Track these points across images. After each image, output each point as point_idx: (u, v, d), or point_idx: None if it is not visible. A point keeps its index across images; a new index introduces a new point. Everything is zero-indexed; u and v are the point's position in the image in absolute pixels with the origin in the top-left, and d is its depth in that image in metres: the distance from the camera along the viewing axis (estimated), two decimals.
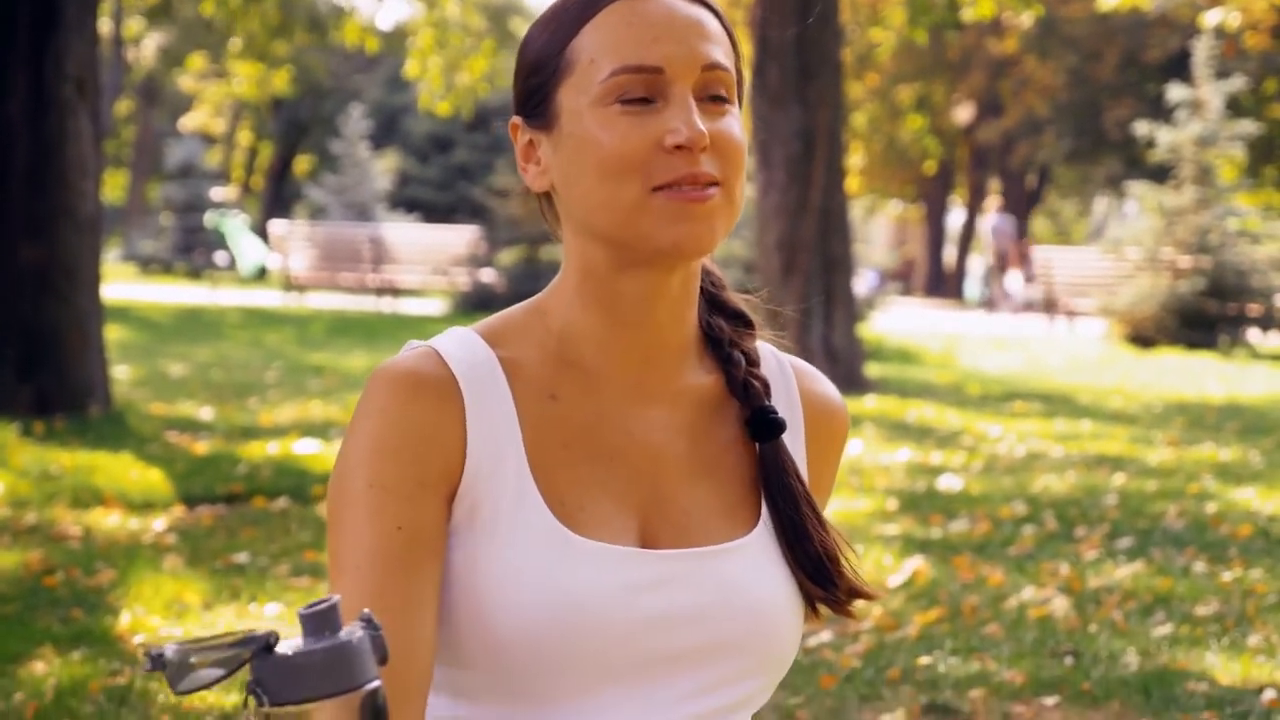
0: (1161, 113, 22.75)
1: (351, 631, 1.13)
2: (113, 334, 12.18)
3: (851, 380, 12.50)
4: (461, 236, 24.11)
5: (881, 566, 6.20)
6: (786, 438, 1.66)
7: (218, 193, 33.89)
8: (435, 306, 23.80)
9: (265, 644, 1.11)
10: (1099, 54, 34.26)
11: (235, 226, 32.19)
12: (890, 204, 46.33)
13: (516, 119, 1.62)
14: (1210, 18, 19.60)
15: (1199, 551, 6.63)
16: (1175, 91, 19.94)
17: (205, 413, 10.36)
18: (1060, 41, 34.69)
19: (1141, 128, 20.27)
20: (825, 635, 5.10)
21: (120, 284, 25.57)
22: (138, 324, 18.61)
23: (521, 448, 1.56)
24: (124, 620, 5.14)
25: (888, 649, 5.01)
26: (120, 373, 12.12)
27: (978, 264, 35.30)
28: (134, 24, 36.92)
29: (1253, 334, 19.23)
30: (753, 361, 1.67)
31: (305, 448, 8.76)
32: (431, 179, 35.86)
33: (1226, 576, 6.16)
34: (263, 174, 48.19)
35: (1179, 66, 25.66)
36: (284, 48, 30.86)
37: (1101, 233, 34.56)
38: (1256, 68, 28.33)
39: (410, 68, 22.20)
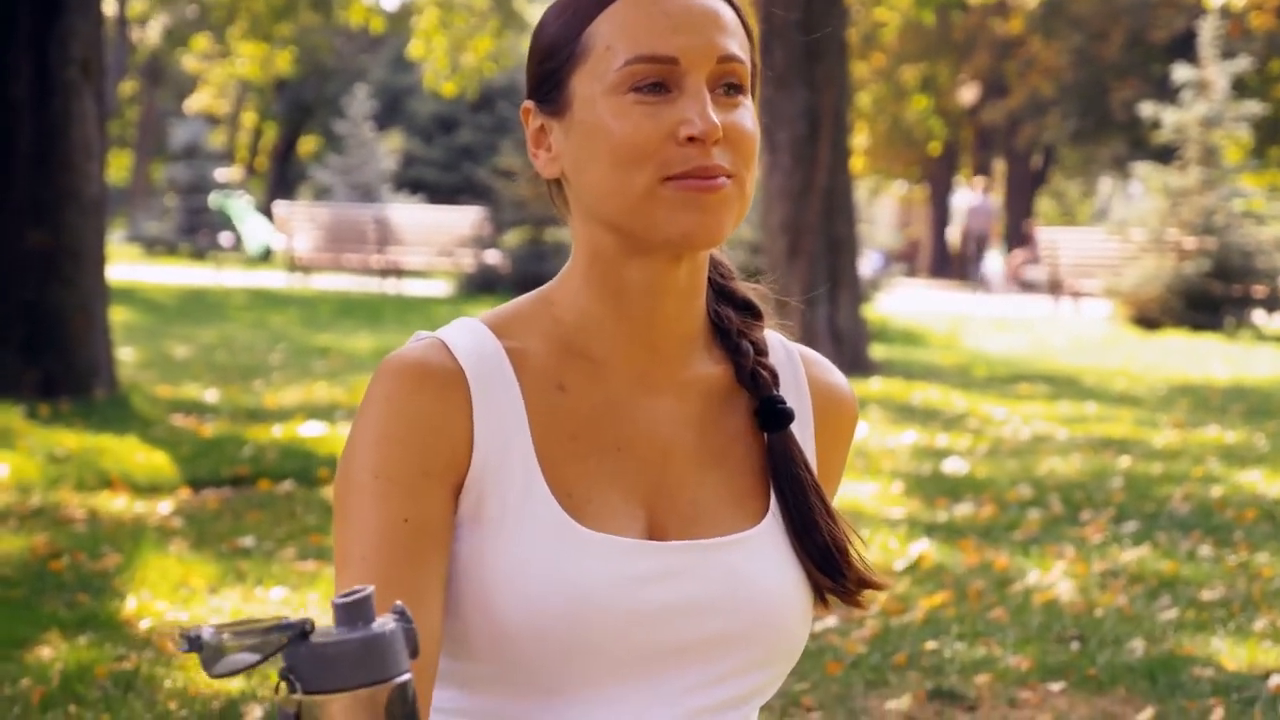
0: (1167, 93, 22.70)
1: (384, 623, 1.13)
2: (117, 316, 12.17)
3: (856, 362, 12.49)
4: (466, 218, 24.08)
5: (887, 550, 6.20)
6: (795, 427, 1.65)
7: (222, 173, 33.90)
8: (440, 288, 23.79)
9: (301, 631, 1.11)
10: (1104, 34, 34.18)
11: (241, 207, 32.19)
12: (895, 185, 46.30)
13: (529, 103, 1.62)
14: None
15: (1204, 535, 6.62)
16: (1180, 72, 19.90)
17: (210, 395, 10.36)
18: (1065, 22, 34.62)
19: (1147, 108, 20.24)
20: (831, 621, 5.09)
21: (124, 265, 25.57)
22: (142, 305, 18.61)
23: (529, 439, 1.56)
24: (130, 605, 5.14)
25: (893, 634, 5.01)
26: (125, 355, 12.12)
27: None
28: (138, 3, 36.91)
29: (1258, 315, 19.21)
30: (761, 351, 1.67)
31: (311, 430, 8.75)
32: (436, 160, 35.81)
33: (1232, 560, 6.16)
34: (267, 155, 48.17)
35: (1184, 47, 25.61)
36: (287, 29, 30.85)
37: (1106, 214, 34.55)
38: (1262, 48, 28.28)
39: (415, 48, 22.20)
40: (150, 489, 7.12)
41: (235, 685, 4.23)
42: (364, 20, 23.31)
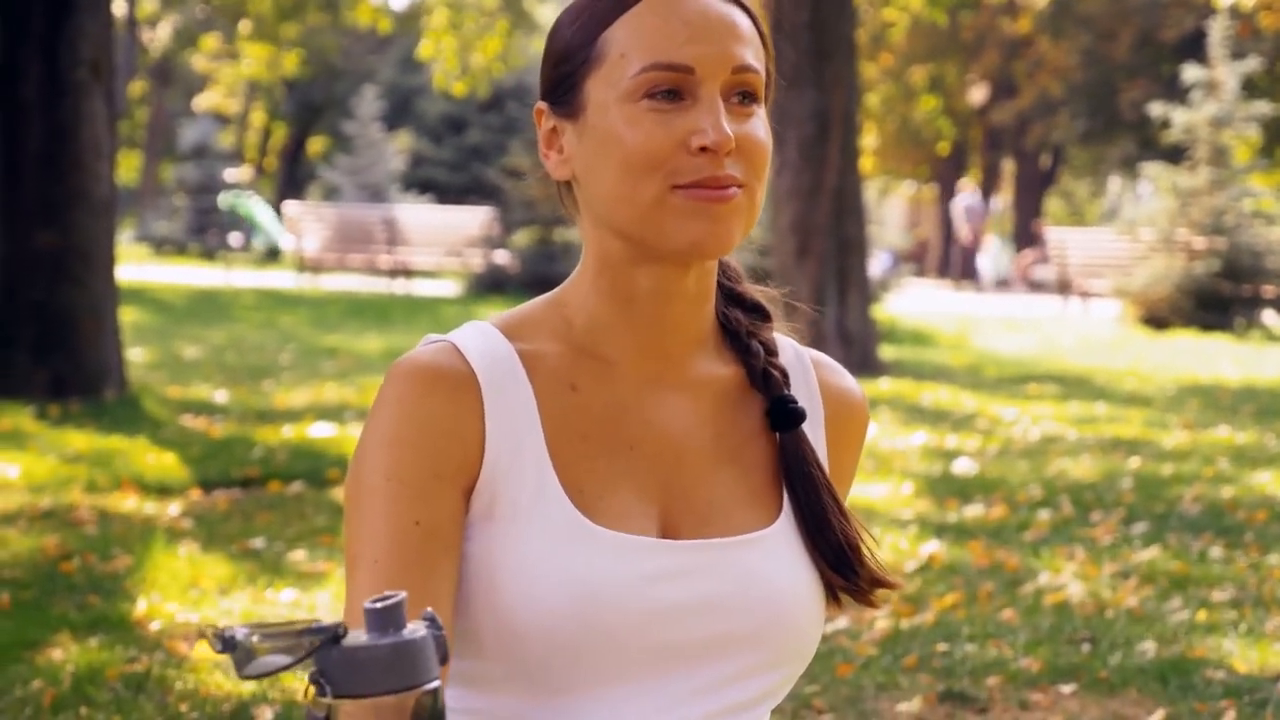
0: (1176, 93, 22.67)
1: (415, 629, 1.13)
2: (127, 316, 12.19)
3: (866, 363, 12.49)
4: (475, 218, 24.08)
5: (898, 551, 6.19)
6: (807, 429, 1.65)
7: (231, 174, 33.93)
8: (449, 288, 23.79)
9: (333, 635, 1.11)
10: (1114, 34, 34.16)
11: (258, 206, 32.27)
12: (904, 185, 46.26)
13: (542, 104, 1.62)
14: None
15: (1215, 536, 6.61)
16: (1190, 72, 19.86)
17: (220, 396, 10.37)
18: (1075, 21, 34.60)
19: (1156, 108, 20.20)
20: (841, 623, 5.09)
21: (134, 265, 25.60)
22: (152, 306, 18.63)
23: (541, 439, 1.56)
24: (140, 606, 5.14)
25: (904, 636, 5.01)
26: (135, 355, 12.14)
27: (993, 244, 35.29)
28: (148, 4, 36.95)
29: (1268, 316, 19.17)
30: (771, 352, 1.67)
31: (320, 431, 8.76)
32: (445, 160, 35.84)
33: (1243, 561, 6.14)
34: (276, 155, 48.20)
35: (1194, 47, 25.56)
36: (294, 29, 30.88)
37: (1116, 214, 34.46)
38: (1272, 48, 28.24)
39: (424, 48, 22.20)
40: (160, 490, 7.13)
41: (247, 687, 4.23)
42: (372, 20, 23.32)
